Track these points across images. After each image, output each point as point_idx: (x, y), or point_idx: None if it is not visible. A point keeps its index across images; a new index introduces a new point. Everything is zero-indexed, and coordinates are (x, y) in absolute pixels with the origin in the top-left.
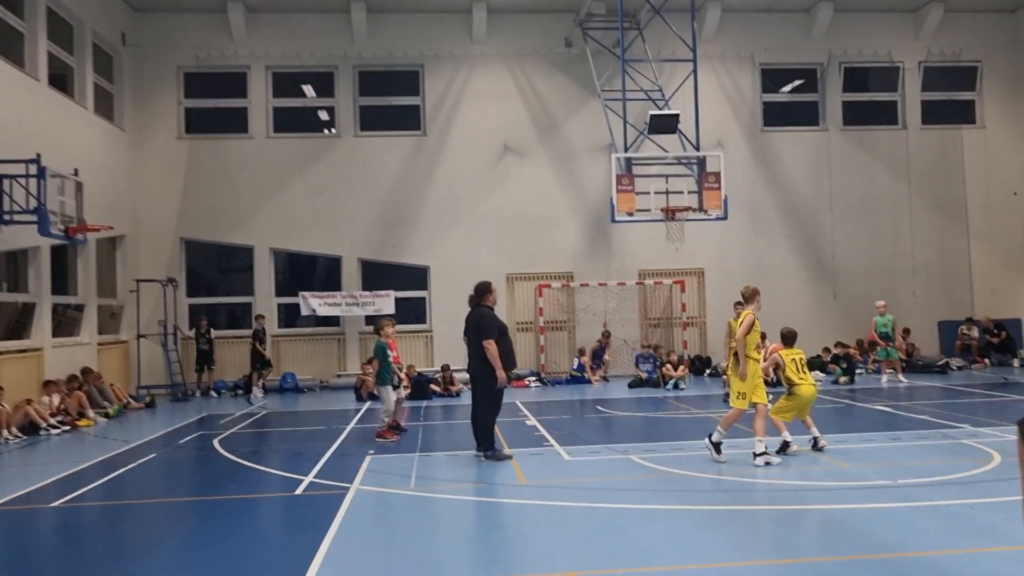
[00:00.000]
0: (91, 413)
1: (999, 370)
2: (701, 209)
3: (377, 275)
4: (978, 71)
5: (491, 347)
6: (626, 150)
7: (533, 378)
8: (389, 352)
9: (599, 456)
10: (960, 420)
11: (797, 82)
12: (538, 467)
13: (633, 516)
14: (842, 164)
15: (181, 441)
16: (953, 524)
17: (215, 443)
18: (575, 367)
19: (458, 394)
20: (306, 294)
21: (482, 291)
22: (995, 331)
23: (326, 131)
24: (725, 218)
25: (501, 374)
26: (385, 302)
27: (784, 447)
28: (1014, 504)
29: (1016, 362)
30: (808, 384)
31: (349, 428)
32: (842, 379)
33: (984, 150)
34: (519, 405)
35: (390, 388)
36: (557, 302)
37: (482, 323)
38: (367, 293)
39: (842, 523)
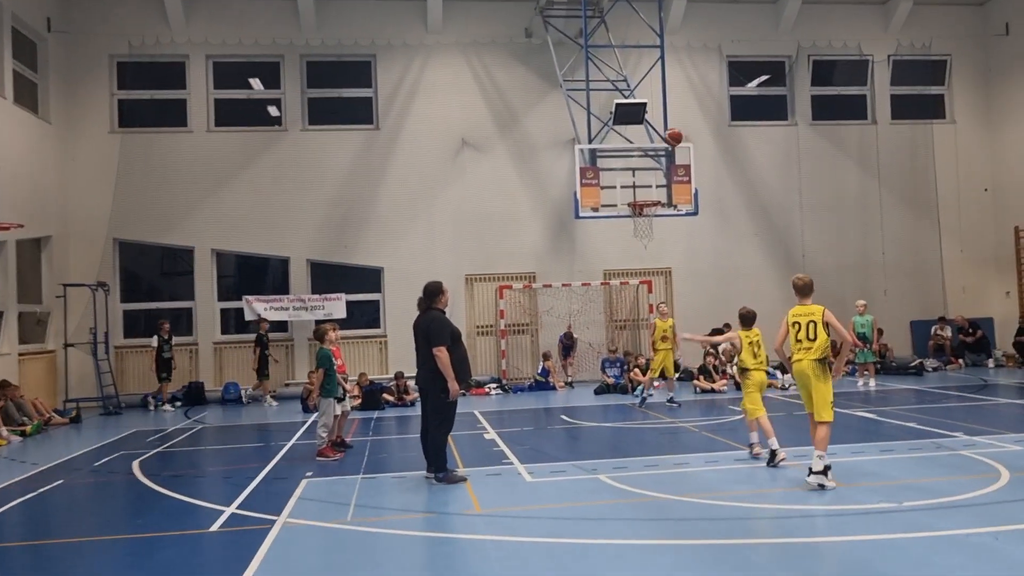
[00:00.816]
0: (3, 432)
1: (974, 371)
2: (670, 204)
3: (328, 277)
4: (947, 65)
5: (442, 355)
6: (590, 142)
7: (494, 385)
8: (335, 361)
9: (564, 476)
10: (951, 427)
11: (763, 77)
12: (496, 491)
13: (604, 555)
14: (811, 160)
15: (97, 464)
16: (981, 560)
17: (135, 465)
18: (539, 372)
19: (413, 404)
20: (250, 298)
21: (432, 292)
22: (970, 330)
23: (272, 125)
24: (696, 213)
25: (454, 385)
26: (336, 306)
27: (771, 456)
28: None
29: (991, 362)
30: (762, 370)
31: (290, 445)
32: None
33: (954, 145)
34: (478, 416)
35: (332, 401)
36: (519, 304)
37: (432, 328)
38: (317, 296)
39: (855, 562)
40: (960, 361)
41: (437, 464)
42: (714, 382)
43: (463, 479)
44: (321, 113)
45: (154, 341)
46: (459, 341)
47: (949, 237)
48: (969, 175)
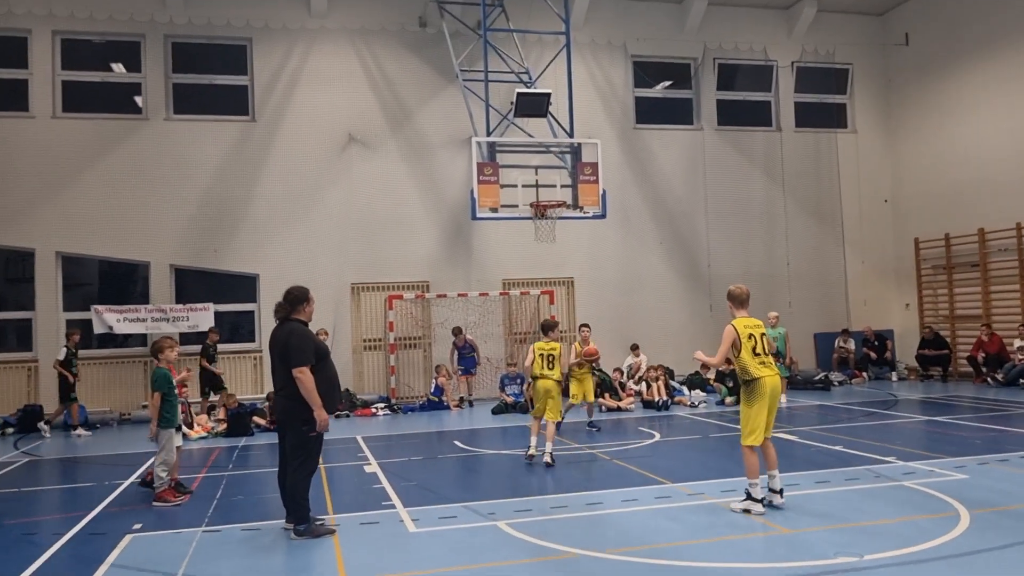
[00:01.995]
0: None
1: (878, 384)
2: (575, 205)
3: (195, 285)
4: (849, 73)
5: (305, 378)
6: (488, 135)
7: (382, 405)
8: (175, 382)
9: (456, 524)
10: (881, 451)
11: (667, 83)
12: (370, 547)
13: None
14: (717, 166)
15: None
16: None
17: None
18: (432, 391)
19: None
20: (100, 308)
21: (295, 299)
22: (875, 343)
23: (131, 112)
24: (603, 216)
25: (321, 415)
26: (203, 317)
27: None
28: None
29: (894, 376)
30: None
31: (127, 483)
32: (728, 400)
33: (856, 155)
34: (360, 443)
35: (173, 432)
36: (410, 316)
37: (292, 343)
38: (180, 306)
39: None
40: (864, 374)
41: (297, 514)
42: (620, 400)
43: (331, 531)
44: (188, 101)
45: (62, 354)
46: (326, 359)
47: (852, 248)
48: (870, 186)
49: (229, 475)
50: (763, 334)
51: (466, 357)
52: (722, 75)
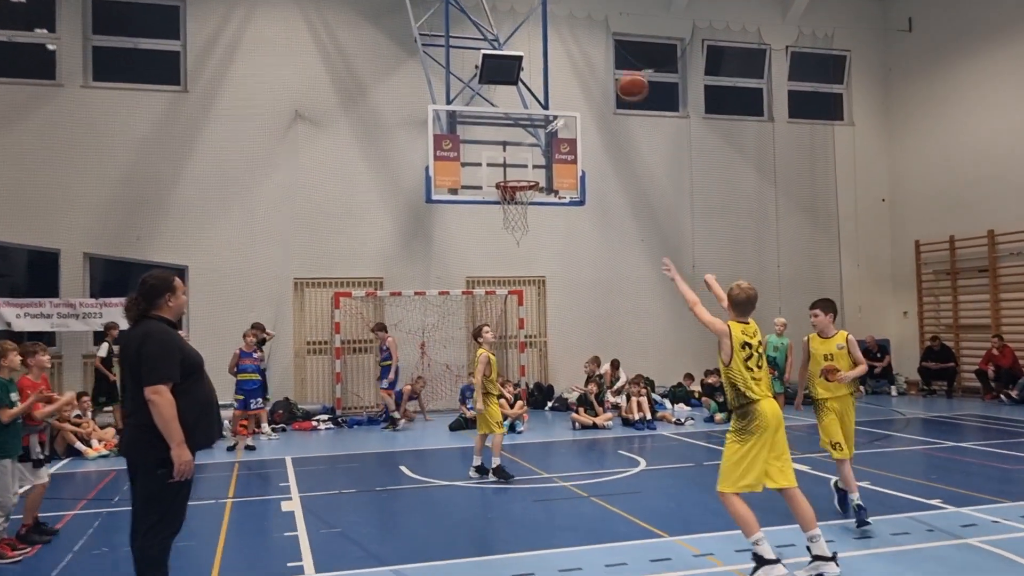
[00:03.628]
0: None
1: (877, 400)
2: (549, 189)
3: (114, 277)
4: (847, 61)
5: (162, 401)
6: (449, 103)
7: (325, 417)
8: (15, 394)
9: None
10: (919, 490)
11: (650, 70)
12: None
13: None
14: (704, 158)
15: None
16: None
17: None
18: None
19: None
20: None
21: (153, 290)
22: (877, 354)
23: (43, 78)
24: (582, 202)
25: (181, 454)
26: (119, 313)
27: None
28: None
29: (893, 390)
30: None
31: None
32: (718, 416)
33: (852, 150)
34: (288, 466)
35: (9, 465)
36: (360, 316)
37: (147, 352)
38: (92, 301)
39: None
40: (862, 388)
41: None
42: (596, 416)
43: None
44: (110, 67)
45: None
46: (198, 374)
47: (847, 250)
48: (867, 183)
49: (108, 512)
50: (761, 350)
51: (382, 365)
52: (711, 58)
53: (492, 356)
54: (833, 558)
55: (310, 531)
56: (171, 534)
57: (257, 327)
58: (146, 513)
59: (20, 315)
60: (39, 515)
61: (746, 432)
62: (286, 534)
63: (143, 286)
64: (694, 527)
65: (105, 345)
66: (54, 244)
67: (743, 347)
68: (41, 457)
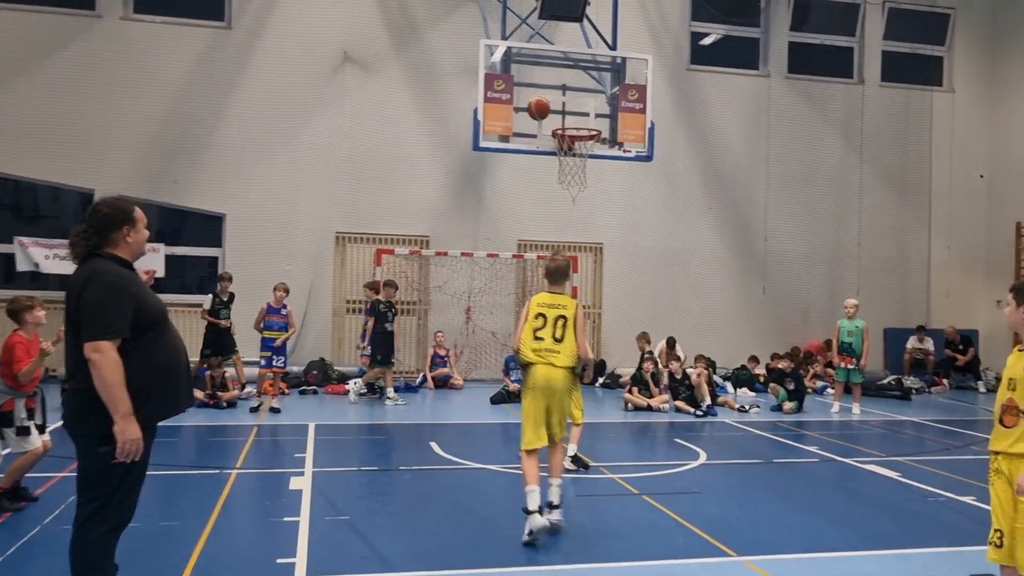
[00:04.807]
0: None
1: (961, 395)
2: (613, 141)
3: (148, 221)
4: (951, 20)
5: (104, 361)
6: (504, 39)
7: (357, 383)
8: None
9: None
10: None
11: (725, 28)
12: None
13: None
14: (784, 122)
15: None
16: None
17: None
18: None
19: (231, 404)
20: (25, 240)
21: (107, 220)
22: (960, 347)
23: (81, 8)
24: (650, 157)
25: (127, 429)
26: (152, 260)
27: None
28: None
29: (981, 386)
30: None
31: None
32: (787, 405)
33: (950, 120)
34: (309, 434)
35: None
36: (403, 275)
37: (88, 297)
38: None
39: None
40: (945, 382)
41: None
42: (651, 396)
43: None
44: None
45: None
46: (160, 328)
47: (937, 230)
48: (964, 157)
49: None
50: (560, 316)
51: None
52: (798, 11)
53: None
54: (539, 511)
55: (314, 517)
56: (113, 529)
57: (278, 289)
58: (84, 501)
59: (49, 256)
60: (22, 480)
61: (524, 388)
62: (286, 519)
63: (94, 215)
64: (766, 544)
65: (211, 297)
66: (88, 184)
67: (537, 317)
68: (27, 424)
